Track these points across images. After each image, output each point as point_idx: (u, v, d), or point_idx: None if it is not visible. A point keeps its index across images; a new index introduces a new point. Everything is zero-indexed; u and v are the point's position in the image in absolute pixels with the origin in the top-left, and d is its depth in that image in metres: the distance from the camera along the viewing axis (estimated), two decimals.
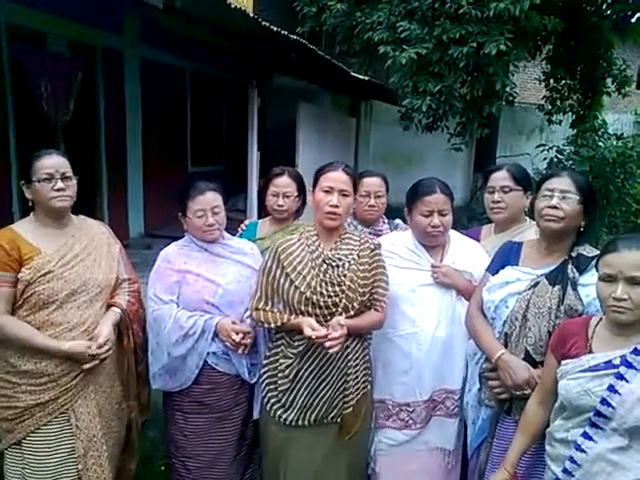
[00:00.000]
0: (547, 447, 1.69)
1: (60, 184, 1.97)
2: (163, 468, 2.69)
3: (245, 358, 2.19)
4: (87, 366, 1.99)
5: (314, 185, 2.07)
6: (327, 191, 1.98)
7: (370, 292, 2.00)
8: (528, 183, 2.37)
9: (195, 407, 2.21)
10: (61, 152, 2.11)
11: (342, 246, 2.03)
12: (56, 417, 2.01)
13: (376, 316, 2.03)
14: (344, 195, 1.99)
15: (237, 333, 2.11)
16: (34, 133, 5.07)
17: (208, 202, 2.15)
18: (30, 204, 2.04)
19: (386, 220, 2.75)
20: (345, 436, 2.04)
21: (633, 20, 8.79)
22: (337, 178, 2.00)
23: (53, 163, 1.98)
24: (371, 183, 2.62)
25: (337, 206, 1.96)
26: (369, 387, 2.13)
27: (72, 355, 1.96)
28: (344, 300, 1.94)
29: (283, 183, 2.48)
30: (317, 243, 2.02)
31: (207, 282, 2.17)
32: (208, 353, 2.15)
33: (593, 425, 1.53)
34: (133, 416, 2.24)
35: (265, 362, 2.10)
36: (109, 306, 2.13)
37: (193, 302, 2.16)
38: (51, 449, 2.01)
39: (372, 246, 2.06)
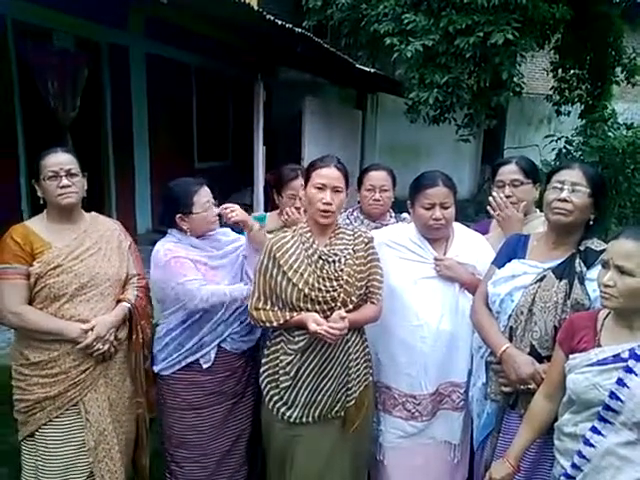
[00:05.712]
0: (556, 441, 1.68)
1: (65, 181, 2.01)
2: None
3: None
4: (99, 346, 2.01)
5: (306, 181, 2.05)
6: (320, 188, 1.97)
7: (366, 285, 2.01)
8: (537, 175, 2.35)
9: (212, 400, 2.23)
10: (67, 149, 2.14)
11: (337, 241, 2.03)
12: (67, 410, 2.04)
13: (373, 309, 2.04)
14: (337, 191, 1.98)
15: None
16: (42, 131, 5.10)
17: (209, 193, 2.26)
18: (42, 202, 2.07)
19: (393, 214, 2.73)
20: (349, 429, 2.04)
21: None
22: (330, 175, 1.98)
23: (58, 161, 2.02)
24: (376, 177, 2.61)
25: (330, 203, 1.95)
26: (370, 379, 2.13)
27: (87, 337, 1.98)
28: (342, 295, 1.94)
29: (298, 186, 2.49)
30: (311, 239, 2.01)
31: (213, 270, 2.23)
32: (225, 339, 2.20)
33: (602, 419, 1.52)
34: (140, 412, 2.26)
35: (265, 360, 2.09)
36: (118, 302, 2.15)
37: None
38: (62, 442, 2.04)
39: (366, 240, 2.05)
